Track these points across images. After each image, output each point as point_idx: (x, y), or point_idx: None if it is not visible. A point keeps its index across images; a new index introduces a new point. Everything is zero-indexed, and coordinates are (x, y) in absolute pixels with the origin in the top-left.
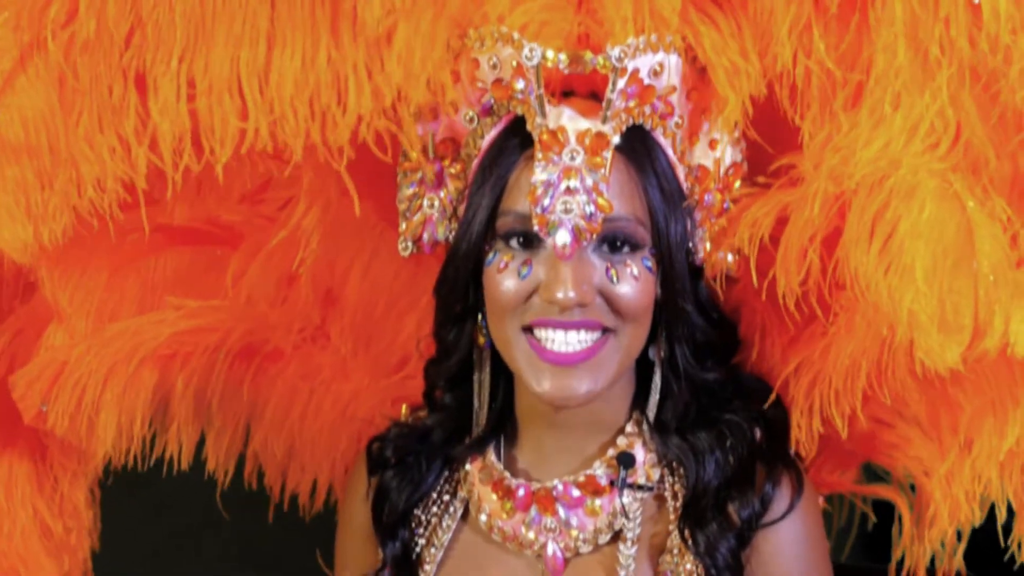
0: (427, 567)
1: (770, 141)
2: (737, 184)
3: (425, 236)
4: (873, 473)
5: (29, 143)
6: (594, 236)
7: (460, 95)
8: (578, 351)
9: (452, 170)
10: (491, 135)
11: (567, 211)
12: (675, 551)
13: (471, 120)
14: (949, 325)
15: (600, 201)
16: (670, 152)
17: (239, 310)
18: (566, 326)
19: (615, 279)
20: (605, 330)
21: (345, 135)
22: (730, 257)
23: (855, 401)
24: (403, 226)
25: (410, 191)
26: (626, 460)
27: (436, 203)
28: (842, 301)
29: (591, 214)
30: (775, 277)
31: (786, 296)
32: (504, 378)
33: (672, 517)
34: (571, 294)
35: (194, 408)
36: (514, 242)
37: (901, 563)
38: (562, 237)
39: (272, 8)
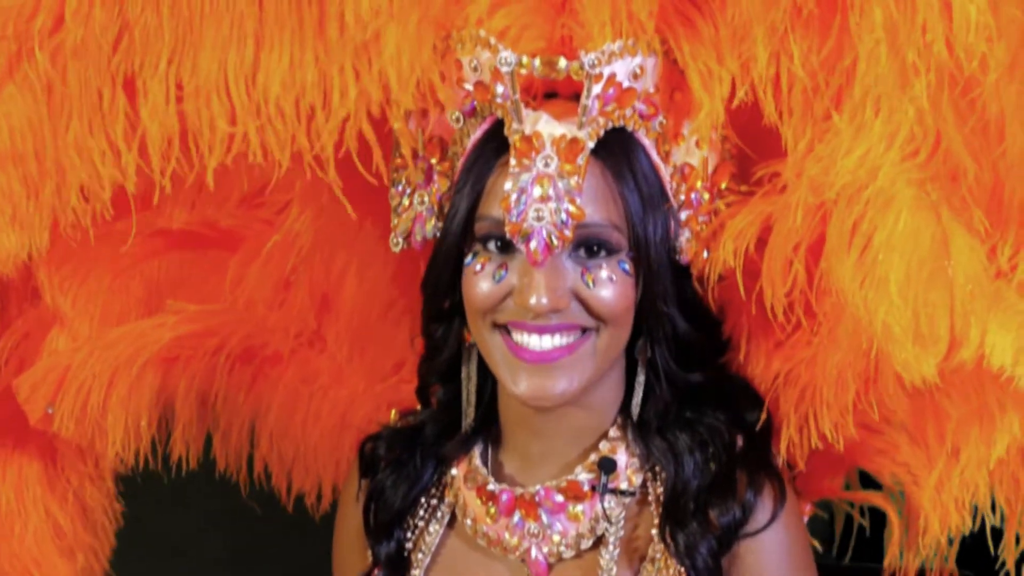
0: (415, 572)
1: (756, 149)
2: (724, 184)
3: (415, 232)
4: (867, 478)
5: (15, 151)
6: (567, 244)
7: (446, 96)
8: (553, 349)
9: (440, 167)
10: (476, 135)
11: (539, 219)
12: (657, 557)
13: (457, 120)
14: (924, 337)
15: (572, 209)
16: (653, 153)
17: (238, 314)
18: (541, 331)
19: (590, 284)
20: (585, 330)
21: (330, 141)
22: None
23: (846, 413)
24: (394, 222)
25: (401, 187)
26: (607, 465)
27: (426, 200)
28: (827, 309)
29: (563, 221)
30: (751, 285)
31: (773, 306)
32: (492, 379)
33: (655, 522)
34: (544, 300)
35: (198, 410)
36: (491, 245)
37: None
38: (534, 245)
39: (260, 9)
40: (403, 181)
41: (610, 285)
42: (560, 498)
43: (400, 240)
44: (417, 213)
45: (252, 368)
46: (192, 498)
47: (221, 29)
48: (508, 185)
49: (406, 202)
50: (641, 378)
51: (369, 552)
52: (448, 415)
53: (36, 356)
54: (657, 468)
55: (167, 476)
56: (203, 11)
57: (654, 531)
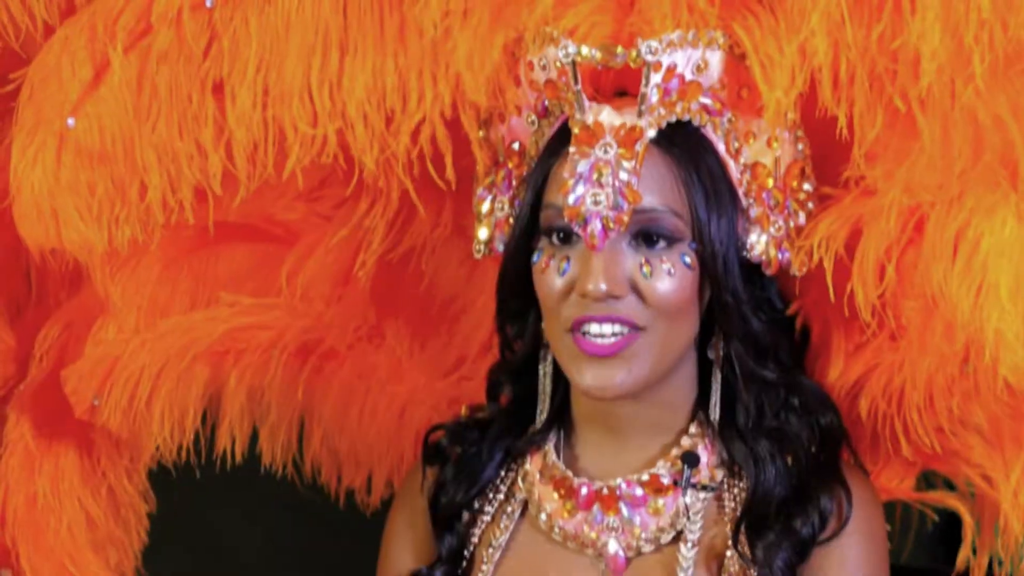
0: (484, 567)
1: (832, 152)
2: (796, 184)
3: (496, 239)
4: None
5: (104, 151)
6: (623, 228)
7: (522, 98)
8: (612, 342)
9: (518, 173)
10: (548, 136)
11: (596, 203)
12: (733, 561)
13: (532, 123)
14: None
15: (628, 193)
16: (722, 149)
17: (294, 308)
18: (601, 319)
19: (648, 274)
20: (636, 328)
21: (405, 140)
22: (787, 255)
23: (939, 418)
24: (477, 228)
25: (483, 194)
26: (690, 459)
27: (505, 207)
28: (910, 313)
29: (618, 205)
30: (838, 286)
31: (862, 309)
32: (564, 376)
33: (730, 527)
34: (602, 286)
35: (247, 405)
36: (555, 238)
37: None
38: (591, 229)
39: (344, 18)
40: (485, 188)
41: (667, 278)
42: (640, 492)
43: (483, 247)
44: (498, 220)
45: (307, 363)
46: (232, 494)
47: (306, 37)
48: (567, 171)
49: (487, 208)
50: (717, 379)
51: (413, 547)
52: (515, 414)
53: (80, 346)
54: (736, 467)
55: (210, 471)
56: (289, 20)
57: (729, 529)
